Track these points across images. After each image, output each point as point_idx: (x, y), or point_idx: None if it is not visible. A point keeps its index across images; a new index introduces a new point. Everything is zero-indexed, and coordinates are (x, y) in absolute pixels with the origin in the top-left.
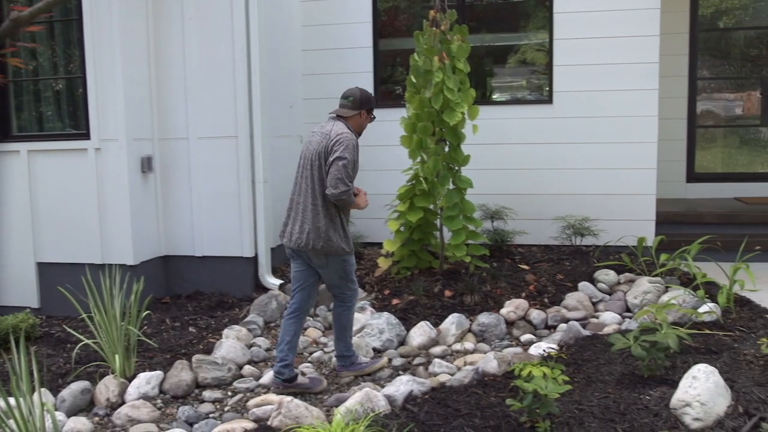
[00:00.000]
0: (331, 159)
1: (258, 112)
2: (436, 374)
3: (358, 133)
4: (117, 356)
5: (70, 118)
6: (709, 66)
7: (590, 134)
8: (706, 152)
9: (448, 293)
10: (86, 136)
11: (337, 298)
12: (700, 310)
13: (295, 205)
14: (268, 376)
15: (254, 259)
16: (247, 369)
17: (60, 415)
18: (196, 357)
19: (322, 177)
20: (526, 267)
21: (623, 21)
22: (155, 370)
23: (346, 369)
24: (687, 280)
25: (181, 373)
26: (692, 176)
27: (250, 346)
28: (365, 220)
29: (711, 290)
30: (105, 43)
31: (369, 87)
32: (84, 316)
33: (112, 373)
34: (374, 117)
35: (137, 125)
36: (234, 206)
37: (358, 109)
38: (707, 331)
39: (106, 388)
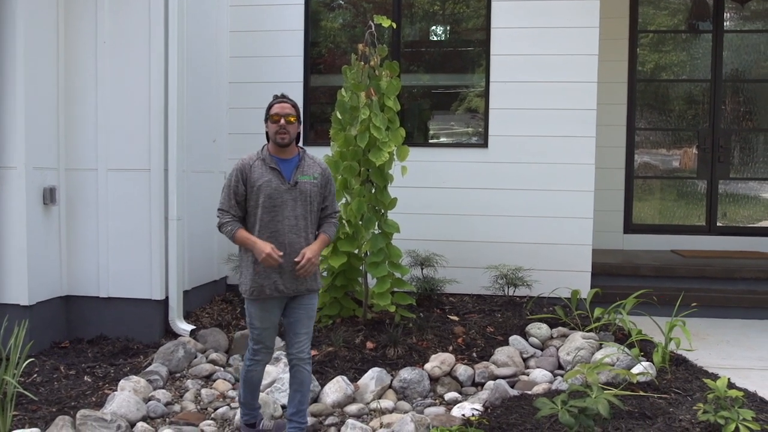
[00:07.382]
0: None
1: (174, 143)
2: None
3: (275, 142)
4: None
5: None
6: (648, 117)
7: (526, 180)
8: (644, 203)
9: (370, 345)
10: None
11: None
12: (635, 370)
13: None
14: None
15: (164, 302)
16: (140, 426)
17: None
18: (81, 412)
19: None
20: (455, 318)
21: (561, 66)
22: (35, 426)
23: None
24: (622, 336)
25: (60, 431)
26: (629, 227)
27: (147, 400)
28: None
29: (646, 347)
30: (6, 60)
31: None
32: None
33: None
34: (275, 117)
35: (40, 153)
36: (144, 244)
37: None
38: (641, 393)
39: None
